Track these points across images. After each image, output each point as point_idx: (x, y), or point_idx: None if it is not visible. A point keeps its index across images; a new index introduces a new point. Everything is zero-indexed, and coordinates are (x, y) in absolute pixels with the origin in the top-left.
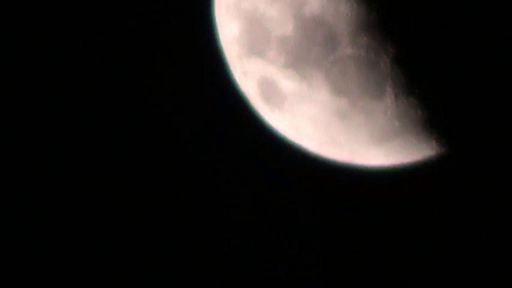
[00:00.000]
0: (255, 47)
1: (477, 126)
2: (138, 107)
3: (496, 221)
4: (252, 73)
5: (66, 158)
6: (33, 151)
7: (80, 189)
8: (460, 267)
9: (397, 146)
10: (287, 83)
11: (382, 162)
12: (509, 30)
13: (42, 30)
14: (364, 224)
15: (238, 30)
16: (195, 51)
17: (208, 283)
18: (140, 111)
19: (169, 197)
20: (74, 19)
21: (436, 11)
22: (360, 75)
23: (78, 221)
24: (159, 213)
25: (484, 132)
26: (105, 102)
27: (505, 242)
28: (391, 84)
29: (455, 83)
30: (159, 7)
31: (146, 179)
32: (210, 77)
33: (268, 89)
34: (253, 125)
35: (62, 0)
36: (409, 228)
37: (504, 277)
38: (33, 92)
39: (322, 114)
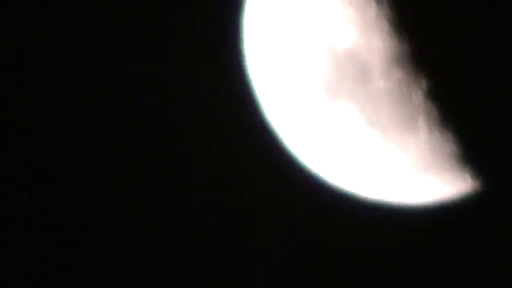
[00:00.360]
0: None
1: None
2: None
3: None
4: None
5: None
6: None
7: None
8: None
9: (430, 180)
10: (321, 119)
11: (415, 198)
12: None
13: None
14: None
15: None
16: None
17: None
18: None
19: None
20: None
21: (471, 43)
22: (393, 110)
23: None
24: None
25: None
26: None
27: None
28: (424, 118)
29: (490, 117)
30: None
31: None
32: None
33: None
34: (281, 157)
35: None
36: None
37: None
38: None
39: (354, 148)
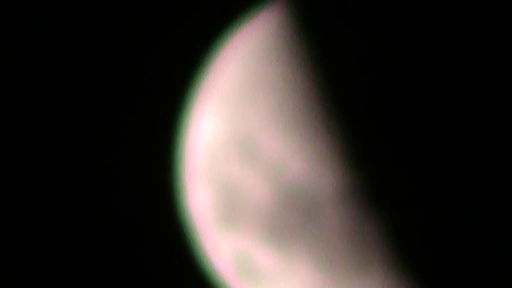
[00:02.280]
0: (229, 218)
1: None
2: None
3: None
4: (225, 249)
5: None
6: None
7: None
8: None
9: None
10: (265, 259)
11: None
12: None
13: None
14: None
15: (209, 200)
16: (159, 224)
17: None
18: None
19: None
20: None
21: (434, 169)
22: (346, 250)
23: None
24: None
25: None
26: None
27: None
28: (380, 261)
29: (456, 260)
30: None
31: None
32: (177, 253)
33: (244, 267)
34: None
35: None
36: None
37: None
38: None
39: None
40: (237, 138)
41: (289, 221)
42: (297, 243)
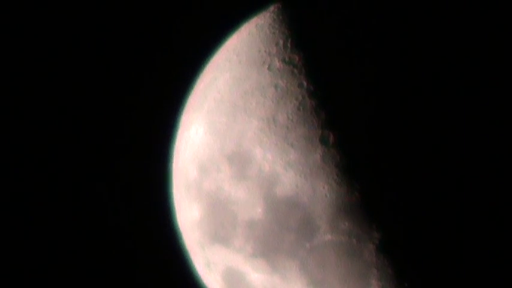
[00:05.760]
0: (219, 233)
1: None
2: None
3: None
4: (215, 264)
5: None
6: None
7: None
8: None
9: None
10: (256, 275)
11: None
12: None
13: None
14: None
15: (200, 214)
16: (149, 238)
17: None
18: None
19: None
20: None
21: (431, 184)
22: (341, 266)
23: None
24: None
25: None
26: None
27: None
28: (377, 276)
29: (453, 275)
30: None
31: None
32: (167, 268)
33: (235, 283)
34: None
35: None
36: None
37: None
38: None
39: None
40: (228, 150)
41: (282, 237)
42: (290, 258)
